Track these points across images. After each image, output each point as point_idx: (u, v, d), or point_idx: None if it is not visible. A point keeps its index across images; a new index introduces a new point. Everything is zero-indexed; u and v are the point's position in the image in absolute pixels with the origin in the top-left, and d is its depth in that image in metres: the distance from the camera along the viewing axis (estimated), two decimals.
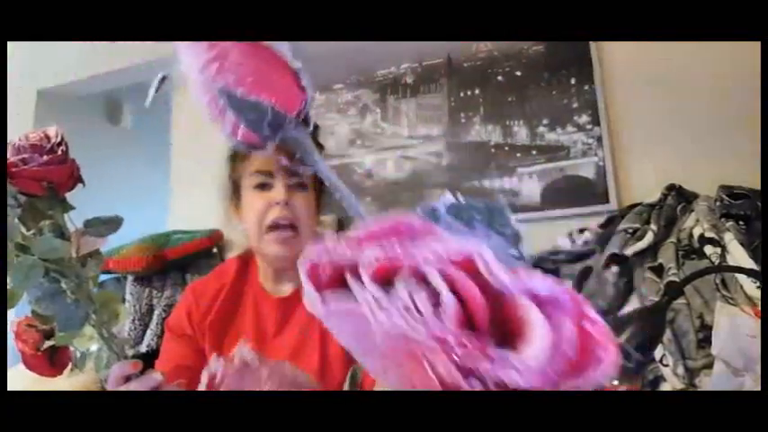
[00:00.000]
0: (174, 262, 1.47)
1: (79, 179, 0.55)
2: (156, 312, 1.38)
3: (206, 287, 0.83)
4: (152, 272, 1.44)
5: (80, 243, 0.51)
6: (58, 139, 0.54)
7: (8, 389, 0.56)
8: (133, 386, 0.54)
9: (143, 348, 1.31)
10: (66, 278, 0.50)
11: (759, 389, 0.77)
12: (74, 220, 0.53)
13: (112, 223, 0.54)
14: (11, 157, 0.50)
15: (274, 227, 0.74)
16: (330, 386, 0.74)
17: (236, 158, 0.78)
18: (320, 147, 0.83)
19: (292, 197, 0.74)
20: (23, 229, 0.48)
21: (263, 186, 0.75)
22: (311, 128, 0.83)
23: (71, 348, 0.57)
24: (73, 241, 0.50)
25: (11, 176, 0.49)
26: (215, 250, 1.56)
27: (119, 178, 2.48)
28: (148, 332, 1.35)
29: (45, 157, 0.51)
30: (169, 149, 1.88)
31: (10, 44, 2.10)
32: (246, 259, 0.84)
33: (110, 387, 0.54)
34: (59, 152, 0.53)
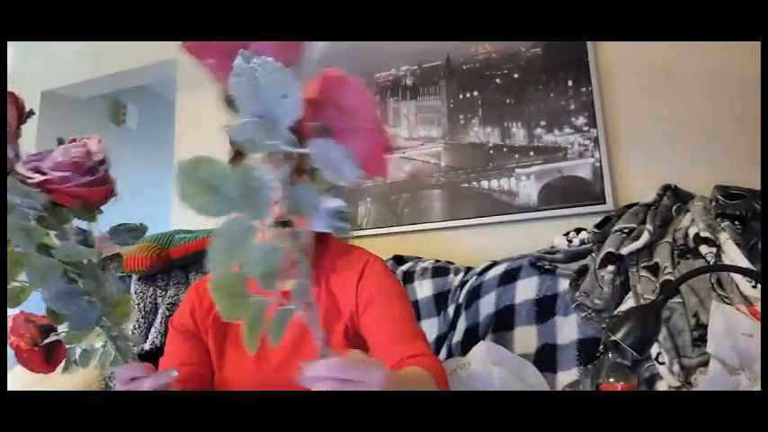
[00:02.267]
0: (177, 261, 1.48)
1: (114, 193, 0.53)
2: (161, 311, 1.40)
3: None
4: (156, 271, 1.46)
5: (103, 248, 0.51)
6: (101, 156, 0.51)
7: (8, 389, 0.56)
8: (147, 383, 0.53)
9: (147, 346, 1.33)
10: (84, 279, 0.50)
11: (755, 387, 0.78)
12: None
13: (138, 231, 0.53)
14: (50, 170, 0.48)
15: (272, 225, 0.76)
16: None
17: (235, 162, 0.80)
18: None
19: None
20: (45, 232, 0.47)
21: None
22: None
23: (67, 345, 0.56)
24: (96, 246, 0.50)
25: (48, 190, 0.48)
26: None
27: (122, 178, 2.50)
28: (152, 330, 1.37)
29: (86, 178, 0.49)
30: (172, 149, 1.90)
31: (14, 45, 2.13)
32: None
33: (118, 387, 0.54)
34: (101, 172, 0.51)
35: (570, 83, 1.41)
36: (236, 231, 0.34)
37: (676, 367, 0.93)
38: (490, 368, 0.89)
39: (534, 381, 0.96)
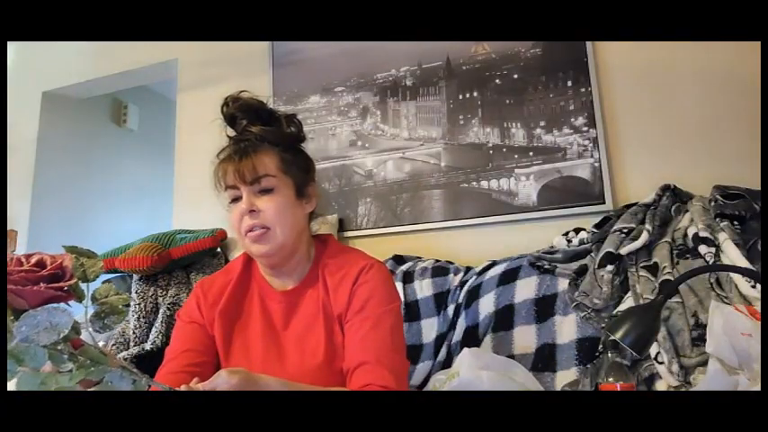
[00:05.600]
0: (178, 261, 1.49)
1: None
2: (161, 311, 1.40)
3: (214, 282, 0.88)
4: (157, 271, 1.46)
5: None
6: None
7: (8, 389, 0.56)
8: None
9: (148, 346, 1.33)
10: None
11: (754, 387, 0.79)
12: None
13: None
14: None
15: (250, 231, 0.79)
16: (336, 375, 0.76)
17: (217, 177, 0.82)
18: (291, 137, 0.85)
19: (258, 203, 0.78)
20: None
21: (236, 200, 0.80)
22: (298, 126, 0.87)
23: None
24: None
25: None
26: (218, 249, 1.58)
27: (123, 178, 2.51)
28: (153, 330, 1.37)
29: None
30: (173, 150, 1.90)
31: (16, 45, 2.14)
32: (251, 257, 0.87)
33: None
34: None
35: (570, 83, 1.41)
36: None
37: (675, 367, 0.93)
38: (479, 373, 0.89)
39: (524, 379, 0.95)
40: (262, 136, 0.80)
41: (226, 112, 0.82)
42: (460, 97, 1.52)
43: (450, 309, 1.25)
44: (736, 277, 0.96)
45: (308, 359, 0.78)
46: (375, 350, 0.74)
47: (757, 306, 0.90)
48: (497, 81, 1.48)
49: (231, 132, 0.84)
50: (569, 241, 1.22)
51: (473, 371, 0.90)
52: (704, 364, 0.91)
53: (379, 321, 0.76)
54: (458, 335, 1.20)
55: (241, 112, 0.81)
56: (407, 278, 1.32)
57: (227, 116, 0.82)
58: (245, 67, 1.78)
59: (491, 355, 1.01)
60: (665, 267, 1.03)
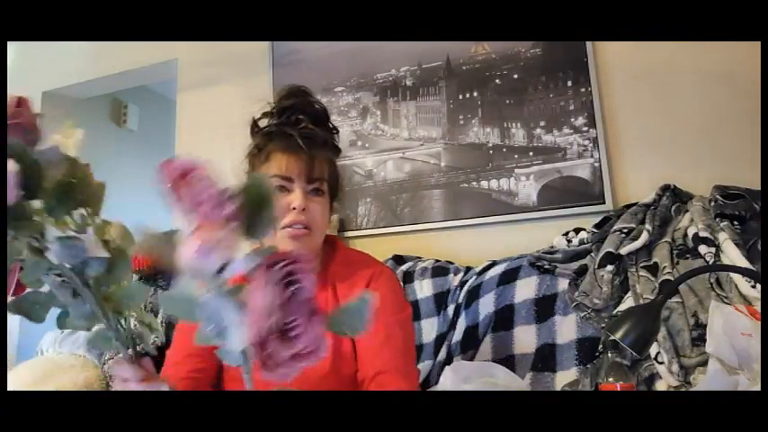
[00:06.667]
0: None
1: None
2: (161, 311, 1.40)
3: None
4: (157, 270, 1.47)
5: None
6: None
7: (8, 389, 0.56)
8: (134, 387, 0.52)
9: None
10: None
11: (754, 387, 0.79)
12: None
13: None
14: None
15: (289, 226, 0.77)
16: (342, 384, 0.76)
17: (257, 158, 0.81)
18: (338, 150, 0.85)
19: (309, 203, 0.78)
20: None
21: (280, 189, 0.78)
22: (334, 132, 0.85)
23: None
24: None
25: None
26: None
27: (123, 179, 2.51)
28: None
29: None
30: (173, 150, 1.90)
31: (16, 45, 2.14)
32: None
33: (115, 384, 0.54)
34: None
35: (570, 83, 1.41)
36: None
37: (675, 367, 0.93)
38: (462, 387, 0.89)
39: (506, 380, 0.95)
40: (324, 139, 0.80)
41: (285, 103, 0.80)
42: (460, 97, 1.52)
43: (451, 309, 1.25)
44: (736, 277, 0.96)
45: (315, 367, 0.77)
46: (389, 360, 0.74)
47: (757, 306, 0.90)
48: (497, 81, 1.48)
49: (261, 120, 0.82)
50: (569, 241, 1.23)
51: (458, 386, 0.90)
52: (704, 364, 0.91)
53: (391, 330, 0.76)
54: (458, 335, 1.20)
55: (302, 107, 0.80)
56: (407, 278, 1.32)
57: (286, 106, 0.80)
58: (245, 67, 1.78)
59: (470, 365, 1.02)
60: (665, 267, 1.03)
